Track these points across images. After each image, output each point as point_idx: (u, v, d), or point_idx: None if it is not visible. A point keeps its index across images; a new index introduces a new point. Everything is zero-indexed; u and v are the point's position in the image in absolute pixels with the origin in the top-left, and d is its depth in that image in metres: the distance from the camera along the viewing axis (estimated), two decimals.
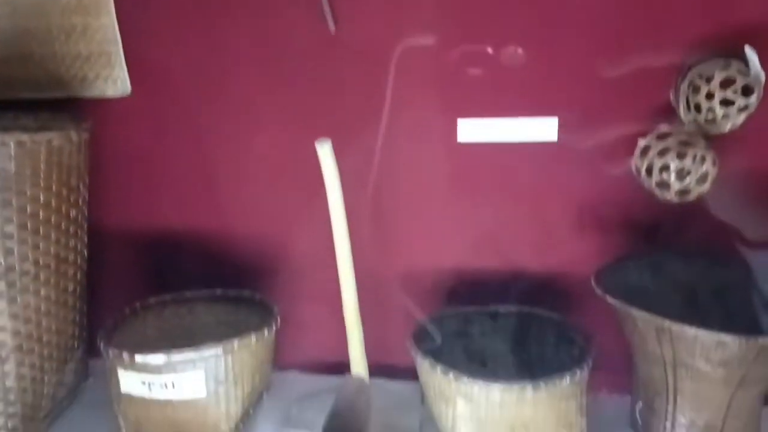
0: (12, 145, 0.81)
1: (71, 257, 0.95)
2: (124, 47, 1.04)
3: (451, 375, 0.86)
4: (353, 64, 1.01)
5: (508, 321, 1.05)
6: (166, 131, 1.09)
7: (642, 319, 0.83)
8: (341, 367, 1.11)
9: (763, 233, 0.93)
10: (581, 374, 0.86)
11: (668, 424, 0.87)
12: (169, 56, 1.05)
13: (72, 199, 0.93)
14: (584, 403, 0.89)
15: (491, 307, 1.05)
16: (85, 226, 1.01)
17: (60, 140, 0.87)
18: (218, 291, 1.10)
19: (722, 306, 0.91)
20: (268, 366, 1.00)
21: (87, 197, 0.99)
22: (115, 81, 1.05)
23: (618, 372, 0.98)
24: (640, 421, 0.92)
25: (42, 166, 0.85)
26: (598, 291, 0.89)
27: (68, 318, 0.97)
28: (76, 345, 1.01)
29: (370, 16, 0.99)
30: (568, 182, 1.01)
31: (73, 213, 0.94)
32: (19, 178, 0.83)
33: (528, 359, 1.00)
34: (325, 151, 0.88)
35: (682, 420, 0.86)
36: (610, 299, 0.87)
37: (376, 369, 1.05)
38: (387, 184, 1.05)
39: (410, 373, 1.07)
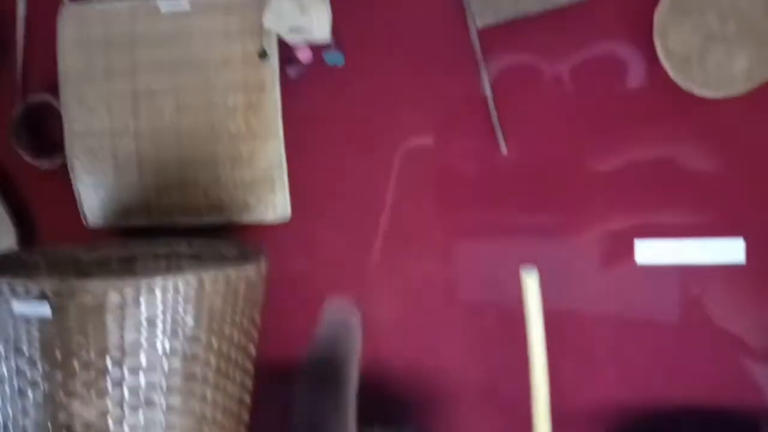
0: (221, 280, 0.76)
1: (247, 399, 0.87)
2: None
3: None
4: (525, 185, 0.99)
5: None
6: (321, 258, 1.05)
7: None
8: None
9: None
10: None
11: None
12: (328, 182, 1.03)
13: (255, 337, 0.87)
14: None
15: None
16: None
17: (253, 273, 0.83)
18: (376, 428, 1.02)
19: None
20: None
21: None
22: (276, 206, 1.02)
23: None
24: None
25: (240, 302, 0.80)
26: None
27: None
28: None
29: (542, 138, 0.99)
30: (757, 309, 0.97)
31: (254, 352, 0.87)
32: (219, 317, 0.77)
33: None
34: (531, 281, 0.84)
35: None
36: None
37: None
38: (564, 308, 0.99)
39: None
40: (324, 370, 0.20)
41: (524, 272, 0.84)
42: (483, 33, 0.94)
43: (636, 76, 0.95)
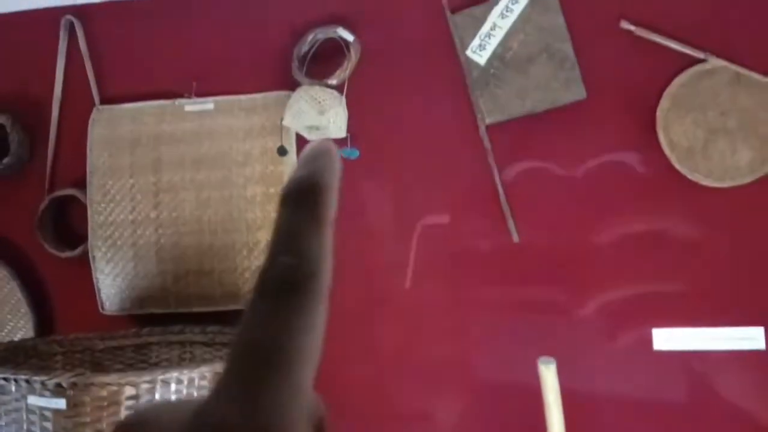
0: None
1: None
2: None
3: None
4: (538, 270, 1.00)
5: None
6: (337, 340, 1.04)
7: None
8: None
9: None
10: None
11: None
12: (339, 266, 1.04)
13: None
14: None
15: None
16: None
17: None
18: None
19: None
20: None
21: None
22: None
23: None
24: None
25: None
26: None
27: None
28: None
29: (554, 226, 1.00)
30: None
31: None
32: None
33: None
34: (549, 373, 0.83)
35: None
36: None
37: None
38: (582, 393, 0.97)
39: None
40: (303, 191, 0.19)
41: (542, 364, 0.83)
42: (492, 128, 0.98)
43: (641, 166, 0.98)
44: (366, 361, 1.03)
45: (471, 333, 1.02)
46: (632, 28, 0.96)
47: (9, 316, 1.07)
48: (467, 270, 1.02)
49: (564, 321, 0.98)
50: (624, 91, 0.97)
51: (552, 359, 0.83)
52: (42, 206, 1.04)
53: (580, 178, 0.99)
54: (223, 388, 0.19)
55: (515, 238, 0.99)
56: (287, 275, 0.20)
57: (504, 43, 0.97)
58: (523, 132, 0.99)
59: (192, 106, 1.02)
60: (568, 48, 0.95)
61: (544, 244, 1.00)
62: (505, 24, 0.97)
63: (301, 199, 0.22)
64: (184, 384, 0.73)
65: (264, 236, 1.02)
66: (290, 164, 0.99)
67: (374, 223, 1.04)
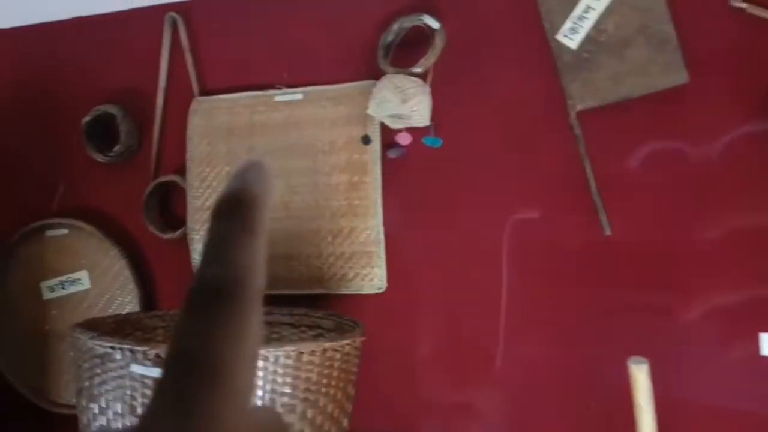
0: (318, 352, 0.78)
1: None
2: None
3: None
4: (632, 265, 0.95)
5: None
6: (416, 327, 1.05)
7: None
8: None
9: None
10: None
11: None
12: (425, 254, 1.05)
13: (348, 410, 0.88)
14: None
15: None
16: None
17: (349, 346, 0.85)
18: None
19: None
20: None
21: None
22: (372, 279, 1.05)
23: None
24: None
25: (335, 374, 0.81)
26: None
27: None
28: None
29: (648, 217, 0.95)
30: None
31: (346, 425, 0.88)
32: (315, 388, 0.79)
33: None
34: (641, 374, 0.78)
35: None
36: None
37: None
38: (679, 399, 0.92)
39: None
40: (232, 203, 0.19)
41: (633, 364, 0.79)
42: (583, 115, 0.94)
43: (750, 155, 0.91)
44: (441, 352, 1.04)
45: (562, 332, 0.99)
46: (744, 5, 0.88)
47: (119, 292, 1.17)
48: (555, 264, 0.98)
49: (659, 322, 0.93)
50: (732, 74, 0.90)
51: (644, 359, 0.79)
52: (147, 191, 1.13)
53: (679, 168, 0.93)
54: (156, 403, 0.18)
55: (607, 231, 0.95)
56: (215, 284, 0.19)
57: (598, 25, 0.93)
58: (617, 118, 0.94)
59: (282, 96, 1.05)
60: (669, 29, 0.89)
61: (639, 238, 0.95)
62: (600, 5, 0.92)
63: (230, 210, 0.21)
64: (270, 362, 0.76)
65: (347, 223, 1.04)
66: (373, 153, 1.01)
67: (456, 213, 1.03)
